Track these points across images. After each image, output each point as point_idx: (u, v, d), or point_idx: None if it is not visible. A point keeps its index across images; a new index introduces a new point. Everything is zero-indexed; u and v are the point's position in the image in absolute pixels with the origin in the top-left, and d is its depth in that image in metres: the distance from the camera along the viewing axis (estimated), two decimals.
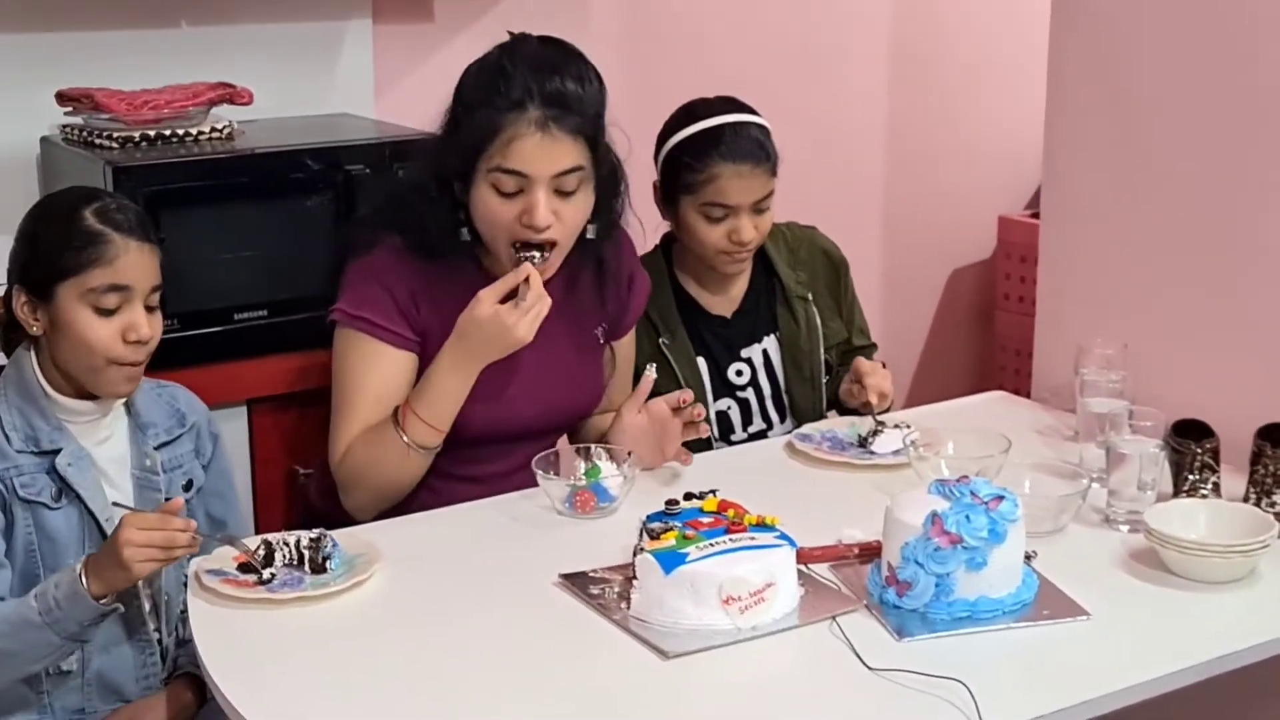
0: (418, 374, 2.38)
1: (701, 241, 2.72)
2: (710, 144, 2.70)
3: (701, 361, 2.79)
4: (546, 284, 2.41)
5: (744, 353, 2.82)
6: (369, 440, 2.32)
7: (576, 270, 2.49)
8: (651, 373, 2.46)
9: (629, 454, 2.35)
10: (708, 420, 2.74)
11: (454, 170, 2.35)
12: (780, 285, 2.84)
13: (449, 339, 2.29)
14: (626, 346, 2.66)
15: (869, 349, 2.92)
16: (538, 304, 2.26)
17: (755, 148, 2.70)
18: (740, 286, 2.83)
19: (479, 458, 2.41)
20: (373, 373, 2.37)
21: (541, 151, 2.28)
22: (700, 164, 2.69)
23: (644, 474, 2.38)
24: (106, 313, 2.16)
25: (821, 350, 2.83)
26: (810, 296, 2.84)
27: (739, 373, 2.82)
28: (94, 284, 2.15)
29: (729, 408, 2.81)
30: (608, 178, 2.41)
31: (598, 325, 2.56)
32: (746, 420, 2.82)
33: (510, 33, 2.40)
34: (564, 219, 2.32)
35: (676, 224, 2.77)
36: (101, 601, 2.04)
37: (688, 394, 2.43)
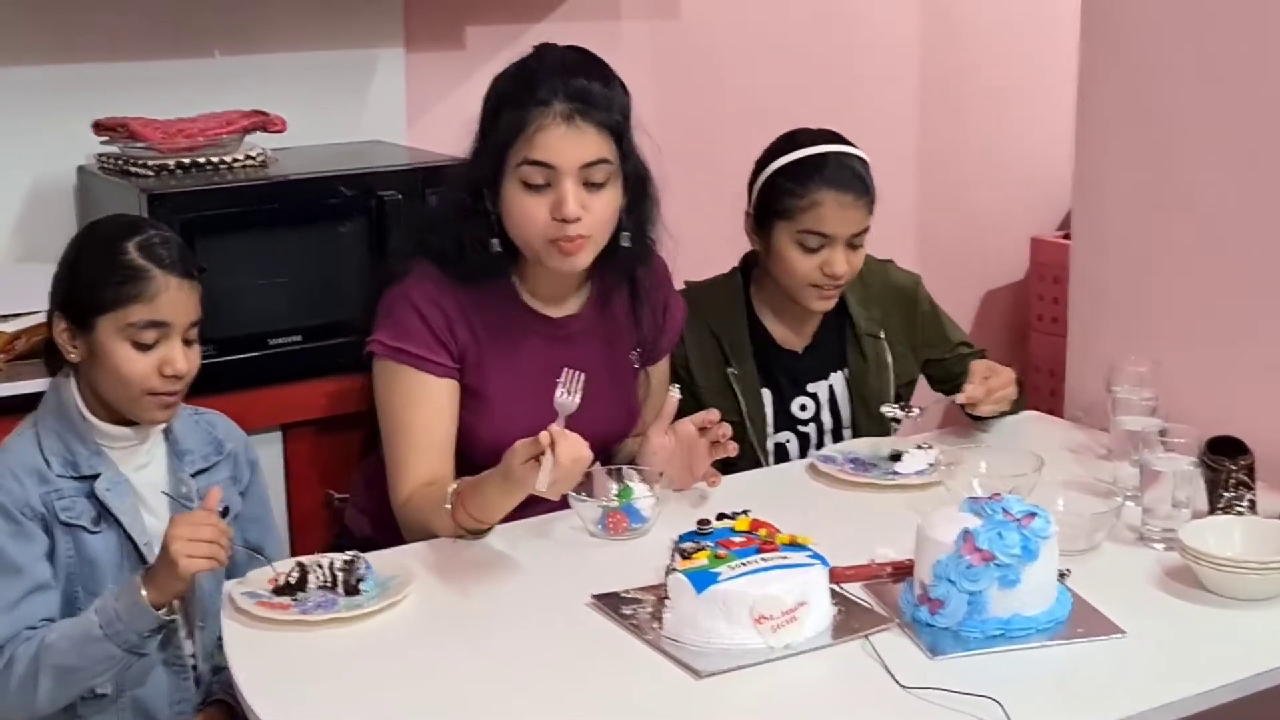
0: (460, 397, 2.39)
1: (792, 272, 2.68)
2: (814, 170, 2.66)
3: (766, 393, 2.76)
4: (583, 308, 2.45)
5: (810, 387, 2.79)
6: (425, 507, 2.30)
7: (610, 292, 2.50)
8: (675, 394, 2.46)
9: (660, 475, 2.35)
10: (764, 450, 2.75)
11: (484, 177, 2.35)
12: (851, 322, 2.80)
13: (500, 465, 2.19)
14: (661, 371, 2.65)
15: (973, 354, 2.85)
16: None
17: (857, 179, 2.67)
18: (814, 322, 2.79)
19: None
20: (418, 407, 2.37)
21: (567, 142, 2.28)
22: (802, 189, 2.65)
23: (675, 495, 2.38)
24: (144, 348, 2.18)
25: (891, 388, 2.79)
26: (882, 334, 2.80)
27: (803, 407, 2.79)
28: (133, 319, 2.17)
29: (788, 440, 2.79)
30: (635, 181, 2.40)
31: (632, 349, 2.57)
32: (804, 454, 2.78)
33: (534, 46, 2.42)
34: (593, 211, 2.31)
35: (768, 252, 2.72)
36: (160, 611, 2.06)
37: (713, 414, 2.42)
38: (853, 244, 2.68)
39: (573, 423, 2.25)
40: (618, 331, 2.53)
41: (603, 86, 2.34)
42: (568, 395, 2.16)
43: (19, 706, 2.14)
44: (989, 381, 2.62)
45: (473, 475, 2.30)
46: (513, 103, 2.32)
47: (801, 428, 2.79)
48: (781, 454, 2.78)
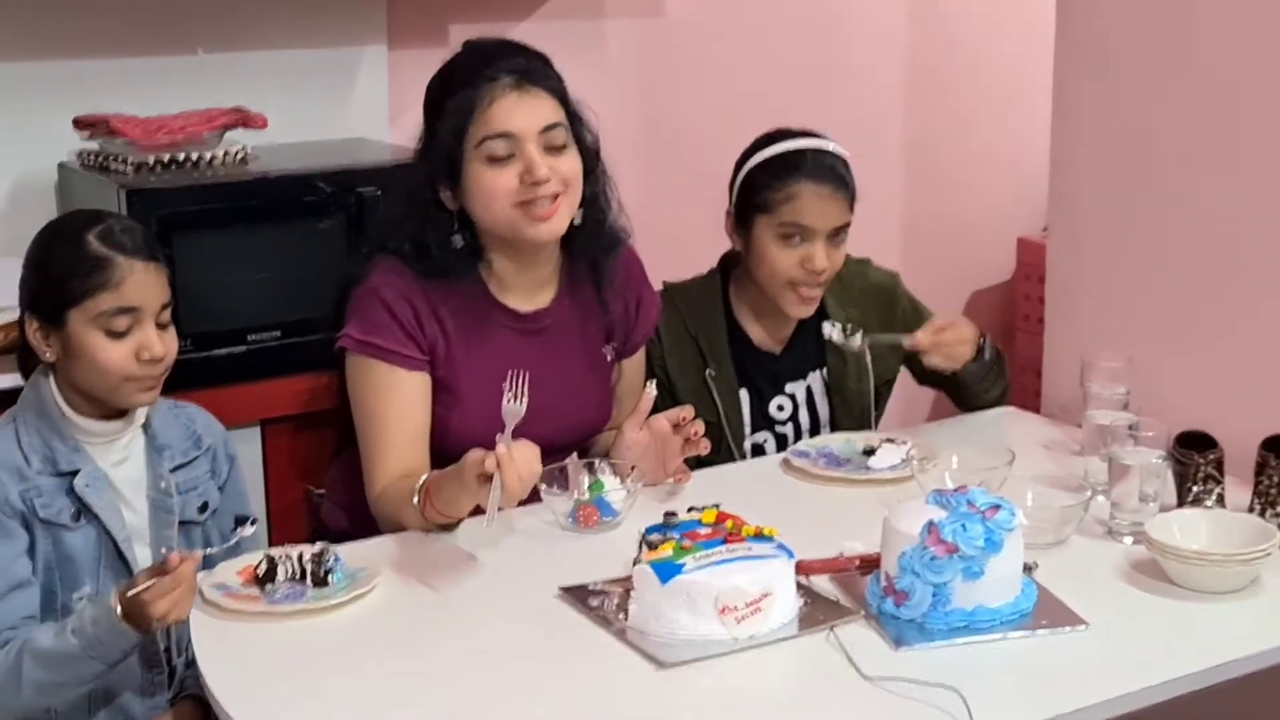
0: (433, 388, 2.40)
1: (772, 268, 2.67)
2: (793, 164, 2.67)
3: (744, 393, 2.77)
4: (553, 302, 2.45)
5: (788, 388, 2.79)
6: (397, 500, 2.30)
7: (578, 284, 2.51)
8: (652, 390, 2.46)
9: (633, 469, 2.36)
10: (741, 451, 2.75)
11: (441, 170, 2.37)
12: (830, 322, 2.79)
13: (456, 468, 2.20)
14: (635, 365, 2.66)
15: None
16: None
17: (836, 174, 2.68)
18: (792, 323, 2.79)
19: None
20: (391, 400, 2.38)
21: (522, 108, 2.32)
22: (780, 183, 2.66)
23: (646, 489, 2.39)
24: (118, 335, 2.18)
25: (872, 388, 2.80)
26: (860, 333, 2.77)
27: (780, 407, 2.79)
28: (103, 308, 2.17)
29: (765, 440, 2.79)
30: (588, 151, 2.42)
31: (605, 342, 2.57)
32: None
33: (462, 44, 2.46)
34: (559, 170, 2.34)
35: (748, 250, 2.72)
36: (142, 631, 2.06)
37: (688, 410, 2.43)
38: (833, 240, 2.68)
39: (547, 416, 2.26)
40: (588, 324, 2.53)
41: (539, 61, 2.40)
42: (514, 401, 2.15)
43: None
44: (942, 333, 2.61)
45: (445, 467, 2.31)
46: (458, 88, 2.35)
47: (779, 428, 2.80)
48: (759, 454, 2.78)
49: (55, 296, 2.18)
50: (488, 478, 2.06)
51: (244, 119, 3.00)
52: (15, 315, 2.70)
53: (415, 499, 2.23)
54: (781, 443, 2.79)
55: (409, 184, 2.44)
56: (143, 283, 2.19)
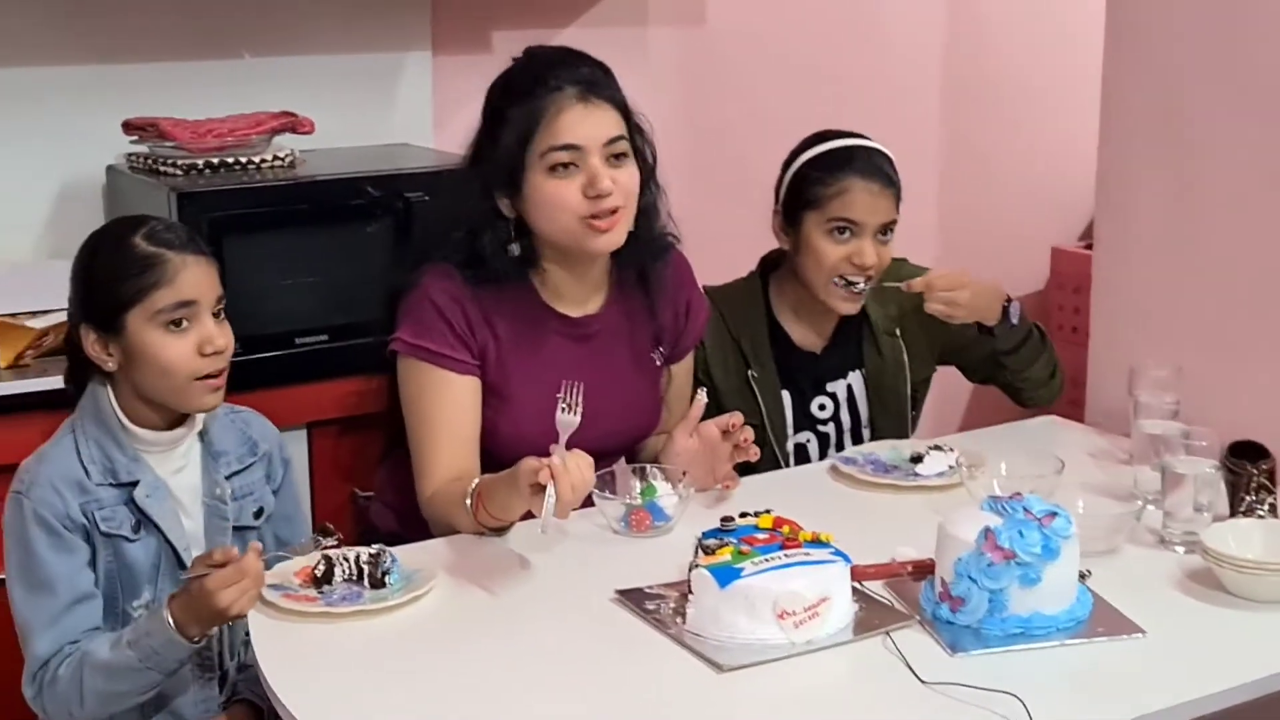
0: (483, 392, 2.42)
1: (820, 263, 2.69)
2: (843, 161, 2.71)
3: (786, 394, 2.78)
4: (603, 308, 2.46)
5: (829, 387, 2.81)
6: (449, 503, 2.31)
7: (628, 290, 2.52)
8: (703, 397, 2.48)
9: (684, 474, 2.37)
10: (784, 451, 2.77)
11: (501, 179, 2.38)
12: (868, 321, 2.82)
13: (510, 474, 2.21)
14: (684, 369, 2.67)
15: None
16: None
17: (887, 168, 2.73)
18: (833, 323, 2.81)
19: None
20: (441, 403, 2.39)
21: (589, 121, 2.34)
22: (831, 178, 2.69)
23: (697, 495, 2.39)
24: (178, 331, 2.18)
25: (908, 386, 2.82)
26: (898, 331, 2.83)
27: (822, 406, 2.81)
28: (161, 305, 2.17)
29: (808, 440, 2.81)
30: (645, 163, 2.44)
31: (654, 348, 2.58)
32: (824, 453, 2.80)
33: (514, 58, 2.47)
34: (621, 184, 2.36)
35: (796, 249, 2.74)
36: (196, 641, 2.09)
37: (737, 417, 2.44)
38: (880, 237, 2.71)
39: (597, 420, 2.28)
40: (638, 330, 2.55)
41: (601, 71, 2.41)
42: (568, 413, 2.17)
43: (64, 717, 2.16)
44: (946, 278, 2.65)
45: (495, 472, 2.31)
46: (522, 97, 2.35)
47: (821, 427, 2.81)
48: (801, 454, 2.80)
49: (110, 302, 2.18)
50: (541, 487, 2.07)
51: (292, 123, 3.02)
52: (61, 318, 2.75)
53: (468, 501, 2.24)
54: (824, 442, 2.81)
55: (464, 191, 2.45)
56: (196, 275, 2.20)
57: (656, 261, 2.53)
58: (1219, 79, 2.62)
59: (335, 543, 2.14)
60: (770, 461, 2.72)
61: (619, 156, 2.37)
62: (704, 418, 2.49)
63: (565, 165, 2.34)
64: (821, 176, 2.70)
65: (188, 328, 2.18)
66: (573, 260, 2.44)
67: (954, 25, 4.13)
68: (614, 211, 2.36)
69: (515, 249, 2.41)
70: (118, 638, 2.11)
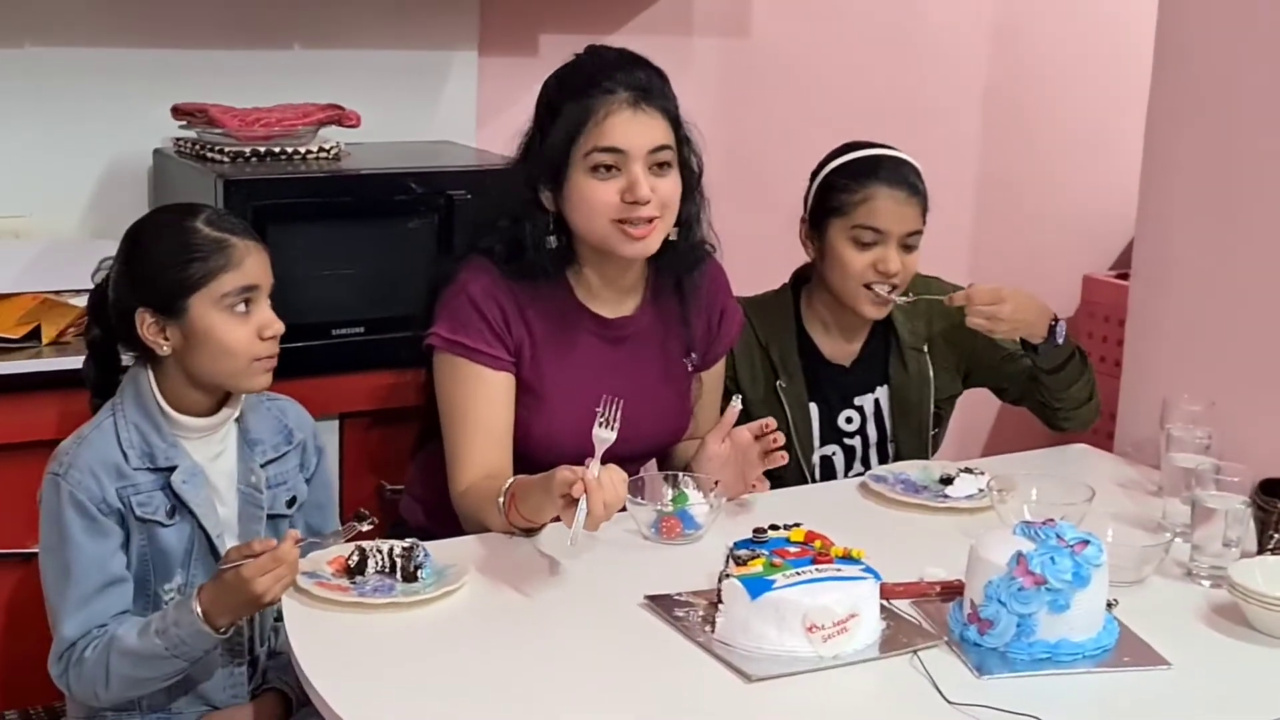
0: (516, 389, 2.44)
1: (845, 271, 2.71)
2: (868, 169, 2.73)
3: (814, 407, 2.80)
4: (637, 310, 2.49)
5: (856, 400, 2.83)
6: (482, 501, 2.33)
7: (663, 294, 2.54)
8: (737, 404, 2.49)
9: (715, 483, 2.38)
10: (810, 464, 2.78)
11: (545, 172, 2.40)
12: (896, 336, 2.84)
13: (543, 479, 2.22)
14: (715, 376, 2.68)
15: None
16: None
17: (913, 178, 2.74)
18: (860, 336, 2.83)
19: None
20: (476, 399, 2.41)
21: (636, 126, 2.35)
22: (857, 184, 2.72)
23: (728, 505, 2.41)
24: (242, 315, 2.21)
25: (931, 402, 2.83)
26: (925, 348, 2.84)
27: (849, 420, 2.82)
28: (227, 288, 2.19)
29: (834, 453, 2.82)
30: (689, 172, 2.46)
31: (686, 354, 2.60)
32: (849, 466, 2.83)
33: (575, 54, 2.49)
34: (660, 192, 2.37)
35: (822, 256, 2.76)
36: (222, 632, 2.11)
37: (770, 421, 2.45)
38: (906, 245, 2.72)
39: (626, 423, 2.29)
40: (671, 334, 2.56)
41: (658, 78, 2.43)
42: (606, 429, 2.19)
43: (89, 698, 2.19)
44: (985, 292, 2.65)
45: (526, 470, 2.34)
46: (575, 95, 2.37)
47: (847, 440, 2.83)
48: (827, 467, 2.82)
49: (174, 285, 2.19)
50: (574, 499, 2.09)
51: (339, 116, 3.04)
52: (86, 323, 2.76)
53: (501, 500, 2.26)
54: (849, 455, 2.82)
55: (510, 180, 2.47)
56: (258, 261, 2.23)
57: (693, 271, 2.55)
58: (1266, 114, 2.63)
59: (370, 526, 2.16)
60: (796, 474, 2.74)
61: (662, 165, 2.38)
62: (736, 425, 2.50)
63: (607, 167, 2.36)
64: (847, 184, 2.73)
65: (249, 312, 2.21)
66: (608, 262, 2.45)
67: (997, 52, 4.14)
68: (650, 220, 2.37)
69: (553, 241, 2.42)
70: (145, 625, 2.13)
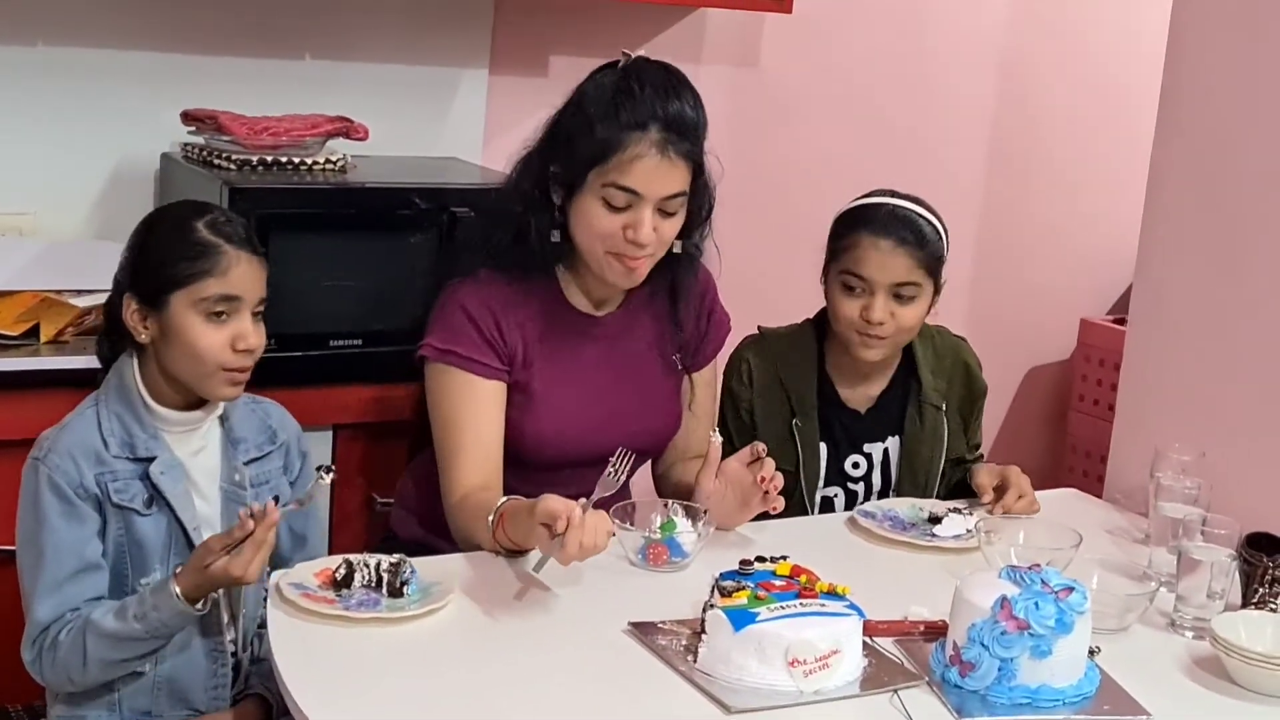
0: (509, 395, 2.47)
1: (836, 312, 2.71)
2: (861, 218, 2.71)
3: (824, 446, 2.78)
4: (622, 307, 2.54)
5: (866, 448, 2.81)
6: (474, 515, 2.34)
7: (652, 294, 2.57)
8: (717, 439, 2.49)
9: (704, 512, 2.39)
10: (812, 502, 2.77)
11: (562, 177, 2.43)
12: (918, 387, 2.81)
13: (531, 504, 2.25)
14: (704, 383, 2.70)
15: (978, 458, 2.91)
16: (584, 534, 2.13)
17: (906, 229, 2.67)
18: (880, 384, 2.81)
19: (559, 481, 2.40)
20: (467, 407, 2.44)
21: (658, 174, 2.37)
22: (848, 231, 2.70)
23: (716, 534, 2.41)
24: (217, 322, 2.22)
25: (942, 460, 2.81)
26: (944, 406, 2.82)
27: (855, 465, 2.80)
28: (206, 293, 2.21)
29: (836, 495, 2.80)
30: (701, 199, 2.49)
31: (674, 351, 2.63)
32: (849, 510, 2.80)
33: (625, 53, 2.48)
34: (661, 235, 2.42)
35: (827, 297, 2.76)
36: (197, 605, 2.14)
37: (759, 446, 2.45)
38: (898, 295, 2.67)
39: (617, 419, 2.39)
40: (659, 333, 2.60)
41: (693, 110, 2.43)
42: (613, 475, 2.24)
43: (63, 683, 2.20)
44: (1021, 502, 2.63)
45: (517, 469, 2.42)
46: (608, 119, 2.38)
47: (851, 485, 2.81)
48: (828, 507, 2.80)
49: (159, 278, 2.22)
50: (554, 532, 2.10)
51: (347, 128, 3.05)
52: (105, 298, 2.77)
53: (490, 519, 2.27)
54: (851, 499, 2.81)
55: (528, 171, 2.49)
56: (246, 273, 2.24)
57: (686, 277, 2.58)
58: (1267, 169, 2.64)
59: (333, 476, 2.19)
60: (799, 510, 2.73)
61: (671, 212, 2.42)
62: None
63: (620, 207, 2.38)
64: (841, 231, 2.73)
65: (226, 321, 2.22)
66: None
67: (1003, 93, 4.16)
68: (647, 256, 2.42)
69: (556, 235, 2.45)
70: (121, 608, 2.15)
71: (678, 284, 2.57)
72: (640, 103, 2.38)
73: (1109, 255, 4.26)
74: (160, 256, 2.24)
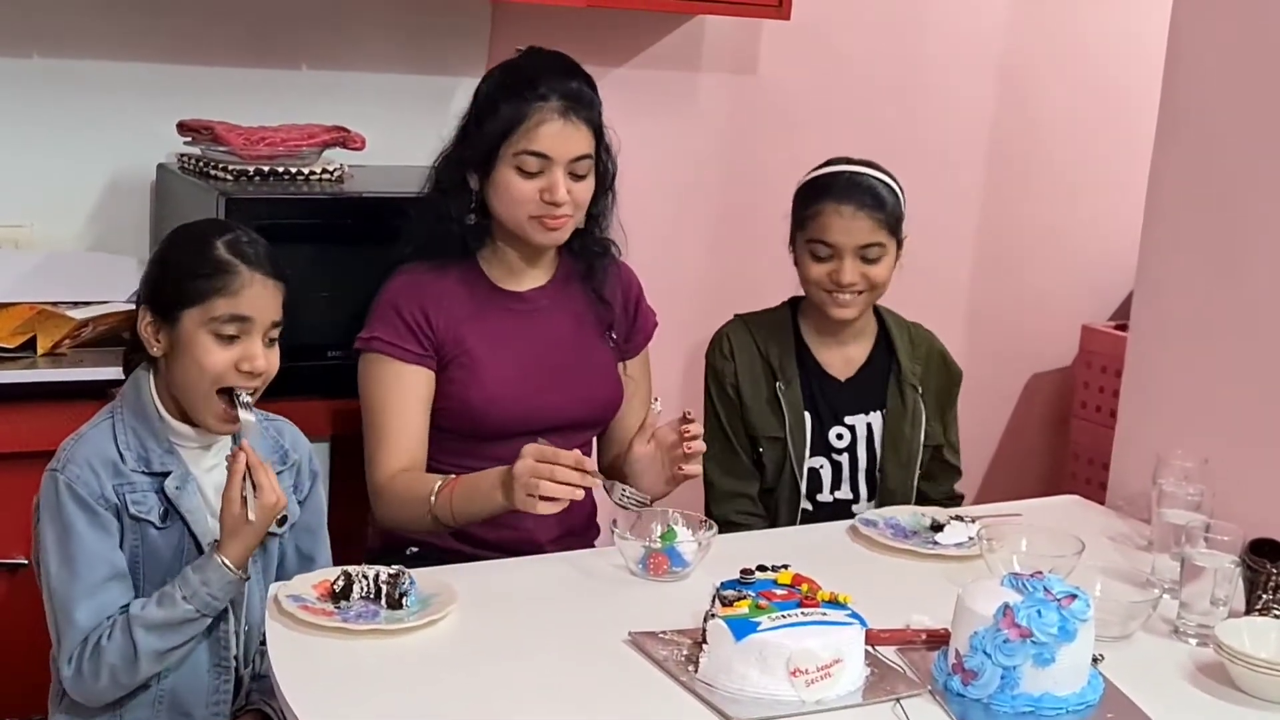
0: (450, 374, 2.61)
1: (806, 278, 2.84)
2: (822, 186, 2.85)
3: (808, 416, 2.86)
4: (548, 284, 2.69)
5: (849, 420, 2.89)
6: (399, 498, 2.53)
7: (571, 274, 2.73)
8: (657, 407, 2.61)
9: (704, 521, 2.39)
10: (801, 471, 2.84)
11: (475, 160, 2.60)
12: (897, 367, 2.90)
13: (499, 475, 2.37)
14: (640, 369, 2.82)
15: (954, 472, 2.98)
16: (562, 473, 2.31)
17: (865, 194, 2.81)
18: (858, 352, 2.92)
19: (512, 452, 2.38)
20: (394, 394, 2.58)
21: (563, 136, 2.56)
22: (809, 202, 2.84)
23: (717, 544, 2.40)
24: (226, 341, 2.21)
25: (921, 439, 2.90)
26: (919, 389, 2.91)
27: (839, 436, 2.88)
28: (216, 313, 2.21)
29: (821, 466, 2.87)
30: (603, 172, 2.66)
31: (607, 329, 2.75)
32: (835, 484, 2.88)
33: (518, 49, 2.69)
34: (575, 196, 2.60)
35: (797, 264, 2.87)
36: (243, 574, 2.20)
37: (689, 411, 2.55)
38: (865, 256, 2.79)
39: (558, 385, 2.63)
40: (584, 309, 2.73)
41: (589, 88, 2.63)
42: (605, 490, 2.40)
43: (106, 691, 2.18)
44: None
45: (472, 446, 2.58)
46: (511, 96, 2.57)
47: (836, 456, 2.88)
48: (814, 479, 2.87)
49: (174, 294, 2.22)
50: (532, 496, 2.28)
51: (344, 138, 3.04)
52: (102, 310, 2.77)
53: (433, 493, 2.43)
54: (836, 471, 2.88)
55: (444, 162, 2.66)
56: (260, 295, 2.23)
57: (600, 259, 2.73)
58: (1268, 175, 2.63)
59: (251, 399, 2.24)
60: (789, 480, 2.83)
61: (581, 175, 2.59)
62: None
63: (533, 172, 2.55)
64: (804, 201, 2.86)
65: (235, 342, 2.22)
66: (522, 242, 2.64)
67: (1002, 97, 4.15)
68: (565, 216, 2.58)
69: (471, 219, 2.63)
70: (163, 596, 2.17)
71: (593, 265, 2.72)
72: (539, 78, 2.57)
73: (1110, 262, 4.24)
74: (177, 271, 2.25)
